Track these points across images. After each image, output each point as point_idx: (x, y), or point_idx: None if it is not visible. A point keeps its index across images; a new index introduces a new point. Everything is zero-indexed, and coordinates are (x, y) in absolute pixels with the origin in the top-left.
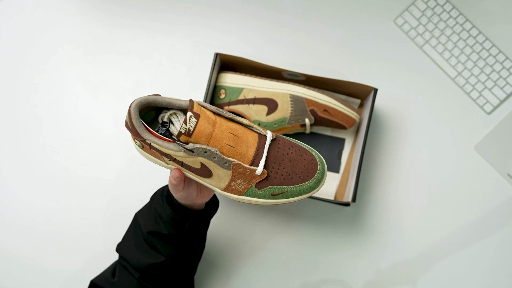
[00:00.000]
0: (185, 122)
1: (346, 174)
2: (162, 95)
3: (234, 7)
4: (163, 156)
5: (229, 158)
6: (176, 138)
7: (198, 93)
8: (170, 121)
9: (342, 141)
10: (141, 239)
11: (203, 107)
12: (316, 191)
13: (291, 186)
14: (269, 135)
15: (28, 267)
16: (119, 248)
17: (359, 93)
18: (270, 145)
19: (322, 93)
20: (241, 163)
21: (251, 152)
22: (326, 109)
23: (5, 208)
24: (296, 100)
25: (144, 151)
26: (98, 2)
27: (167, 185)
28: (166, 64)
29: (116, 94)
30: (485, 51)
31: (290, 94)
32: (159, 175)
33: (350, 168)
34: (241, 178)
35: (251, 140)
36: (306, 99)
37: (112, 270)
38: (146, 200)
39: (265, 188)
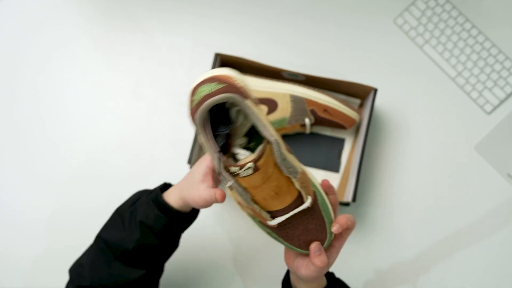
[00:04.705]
0: (241, 167)
1: (346, 174)
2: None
3: (234, 7)
4: None
5: (255, 205)
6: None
7: None
8: (232, 121)
9: (342, 141)
10: (111, 259)
11: (272, 150)
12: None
13: (286, 242)
14: (307, 203)
15: (28, 266)
16: (76, 272)
17: (359, 93)
18: (300, 210)
19: (322, 93)
20: (262, 213)
21: (278, 206)
22: (326, 109)
23: (6, 207)
24: (296, 100)
25: None
26: (98, 2)
27: (145, 192)
28: (166, 64)
29: (117, 94)
30: (485, 51)
31: (290, 94)
32: (158, 174)
33: (350, 168)
34: (250, 213)
35: (288, 199)
36: (306, 99)
37: None
38: None
39: (265, 228)
